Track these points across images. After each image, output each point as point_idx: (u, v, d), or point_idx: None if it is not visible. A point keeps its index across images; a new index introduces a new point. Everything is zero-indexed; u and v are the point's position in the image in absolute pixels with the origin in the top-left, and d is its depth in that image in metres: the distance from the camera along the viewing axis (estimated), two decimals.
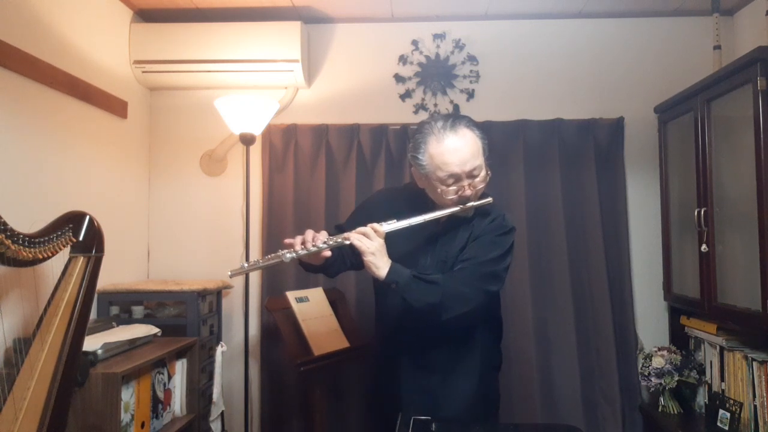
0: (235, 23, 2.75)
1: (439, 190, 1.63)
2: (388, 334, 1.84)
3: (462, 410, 1.71)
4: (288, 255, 1.58)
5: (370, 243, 1.56)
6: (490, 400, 1.83)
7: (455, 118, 1.65)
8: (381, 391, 1.90)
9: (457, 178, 1.60)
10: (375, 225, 1.59)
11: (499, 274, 1.66)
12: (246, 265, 1.64)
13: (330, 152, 2.88)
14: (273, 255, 1.60)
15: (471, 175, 1.62)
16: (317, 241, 1.59)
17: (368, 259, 1.56)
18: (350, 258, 1.77)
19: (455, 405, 1.71)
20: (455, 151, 1.59)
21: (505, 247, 1.66)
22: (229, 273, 1.60)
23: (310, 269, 1.76)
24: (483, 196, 1.69)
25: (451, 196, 1.63)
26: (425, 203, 1.72)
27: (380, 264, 1.56)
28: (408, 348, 1.76)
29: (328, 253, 1.60)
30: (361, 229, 1.59)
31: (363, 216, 1.71)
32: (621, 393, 2.73)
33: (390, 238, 1.62)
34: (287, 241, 1.62)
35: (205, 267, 2.90)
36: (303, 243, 1.59)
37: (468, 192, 1.62)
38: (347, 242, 1.59)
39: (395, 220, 1.62)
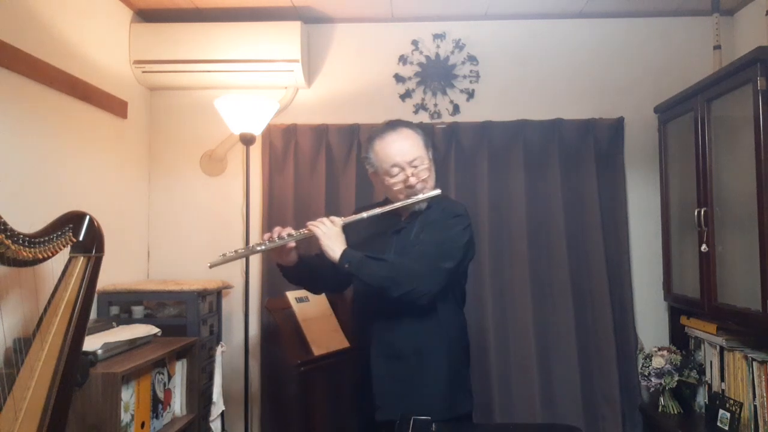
0: (235, 23, 2.75)
1: (387, 182, 1.83)
2: (360, 325, 1.95)
3: (434, 399, 1.74)
4: (258, 247, 1.78)
5: (327, 228, 1.74)
6: (462, 393, 1.83)
7: (396, 121, 1.90)
8: (358, 384, 1.93)
9: (400, 167, 1.79)
10: (332, 217, 1.80)
11: (451, 252, 1.76)
12: (223, 256, 1.79)
13: (330, 152, 2.88)
14: (247, 247, 1.85)
15: (412, 164, 1.80)
16: (283, 233, 1.76)
17: (324, 242, 1.73)
18: (334, 273, 1.80)
19: (427, 392, 1.75)
20: (395, 143, 1.81)
21: (454, 229, 1.78)
22: (209, 264, 1.79)
23: (291, 278, 1.91)
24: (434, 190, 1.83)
25: (399, 186, 1.81)
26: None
27: (335, 248, 1.72)
28: (376, 335, 1.83)
29: (292, 244, 1.77)
30: (320, 219, 1.79)
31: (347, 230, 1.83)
32: (621, 393, 2.73)
33: (357, 237, 1.81)
34: (265, 234, 1.81)
35: (205, 267, 2.88)
36: (270, 237, 1.77)
37: (412, 180, 1.79)
38: (306, 232, 1.75)
39: (353, 215, 1.83)
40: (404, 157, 1.79)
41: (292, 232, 1.77)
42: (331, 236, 1.73)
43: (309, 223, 1.78)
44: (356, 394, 1.97)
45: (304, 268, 1.87)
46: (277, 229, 1.78)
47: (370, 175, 1.93)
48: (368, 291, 1.79)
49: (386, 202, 1.92)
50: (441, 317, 1.80)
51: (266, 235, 1.79)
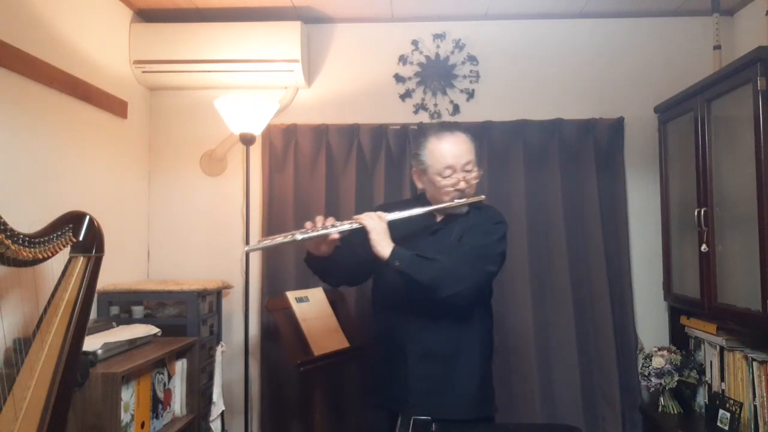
0: (234, 23, 2.75)
1: (437, 183, 1.81)
2: (389, 323, 1.90)
3: (465, 399, 1.78)
4: (299, 235, 1.70)
5: (376, 224, 1.72)
6: (489, 393, 1.89)
7: (452, 124, 1.95)
8: (381, 382, 1.93)
9: (453, 169, 1.80)
10: (379, 212, 1.77)
11: (495, 256, 1.79)
12: (261, 242, 1.77)
13: (330, 152, 2.88)
14: (286, 234, 1.73)
15: (465, 168, 1.81)
16: (327, 223, 1.73)
17: (374, 237, 1.70)
18: (365, 256, 1.79)
19: (458, 392, 1.78)
20: (451, 146, 1.81)
21: (499, 234, 1.82)
22: (246, 248, 1.86)
23: (315, 267, 1.87)
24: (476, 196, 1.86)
25: (448, 189, 1.81)
26: (426, 206, 1.87)
27: (384, 244, 1.70)
28: (411, 335, 1.82)
29: (336, 236, 1.73)
30: (367, 213, 1.77)
31: None
32: (621, 393, 2.73)
33: (394, 232, 1.76)
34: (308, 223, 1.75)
35: (205, 267, 2.91)
36: (314, 225, 1.73)
37: (463, 184, 1.80)
38: (355, 224, 1.73)
39: (398, 212, 1.79)
40: (459, 160, 1.80)
41: (337, 223, 1.74)
42: (380, 231, 1.71)
43: (358, 216, 1.75)
44: (376, 393, 1.95)
45: (332, 259, 1.82)
46: (320, 218, 1.75)
47: (414, 172, 1.92)
48: (398, 289, 1.76)
49: (421, 199, 1.93)
50: (476, 319, 1.83)
51: (308, 224, 1.74)
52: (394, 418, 1.78)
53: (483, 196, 1.84)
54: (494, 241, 1.79)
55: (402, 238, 1.78)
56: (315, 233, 1.71)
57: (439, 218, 1.90)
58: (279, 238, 1.73)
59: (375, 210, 1.80)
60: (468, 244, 1.78)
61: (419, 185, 1.93)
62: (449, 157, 1.79)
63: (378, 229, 1.71)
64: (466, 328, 1.82)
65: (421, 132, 1.93)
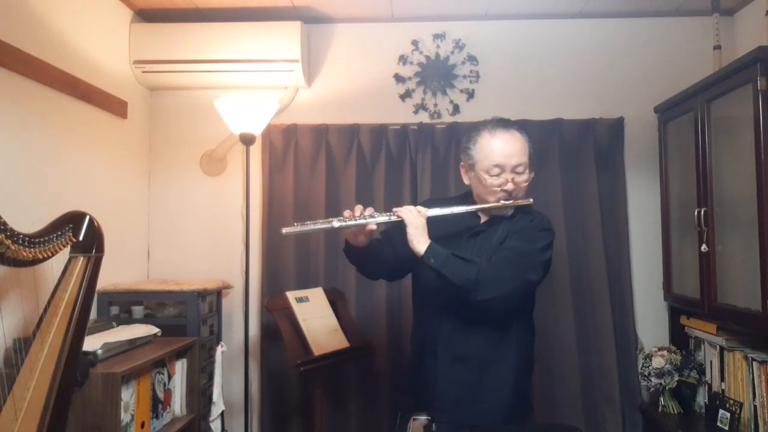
0: (235, 23, 2.75)
1: (484, 180, 1.73)
2: (427, 323, 1.85)
3: (499, 409, 1.71)
4: (337, 223, 1.68)
5: (414, 218, 1.67)
6: (525, 404, 1.81)
7: (508, 120, 1.80)
8: (413, 383, 1.88)
9: (502, 169, 1.71)
10: (419, 207, 1.71)
11: (537, 264, 1.68)
12: (298, 225, 1.72)
13: (330, 152, 2.88)
14: (324, 221, 1.71)
15: (515, 170, 1.72)
16: (366, 213, 1.69)
17: (411, 231, 1.65)
18: (400, 250, 1.76)
19: (491, 402, 1.71)
20: (504, 143, 1.72)
21: (544, 242, 1.71)
22: (284, 231, 1.72)
23: (353, 256, 1.83)
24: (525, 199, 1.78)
25: (495, 188, 1.73)
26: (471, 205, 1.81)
27: (421, 239, 1.65)
28: (445, 337, 1.76)
29: (373, 227, 1.70)
30: (407, 206, 1.71)
31: None
32: (621, 393, 2.73)
33: (433, 229, 1.70)
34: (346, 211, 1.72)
35: (205, 267, 2.91)
36: (352, 214, 1.69)
37: (510, 186, 1.72)
38: (394, 217, 1.69)
39: (439, 208, 1.73)
40: (510, 160, 1.71)
41: (375, 213, 1.70)
42: (418, 226, 1.66)
43: (397, 209, 1.70)
44: (407, 392, 1.91)
45: (369, 250, 1.79)
46: (359, 207, 1.71)
47: (461, 166, 1.84)
48: (437, 289, 1.70)
49: (467, 198, 1.86)
50: (513, 328, 1.75)
51: (347, 213, 1.70)
52: (403, 418, 1.75)
53: (530, 200, 1.75)
54: (538, 249, 1.68)
55: (443, 237, 1.72)
56: (353, 222, 1.67)
57: (483, 219, 1.81)
58: (319, 224, 1.71)
59: (417, 205, 1.75)
60: (509, 249, 1.68)
61: (466, 181, 1.84)
62: (499, 155, 1.70)
63: (416, 223, 1.66)
64: (502, 337, 1.73)
65: (475, 125, 1.82)
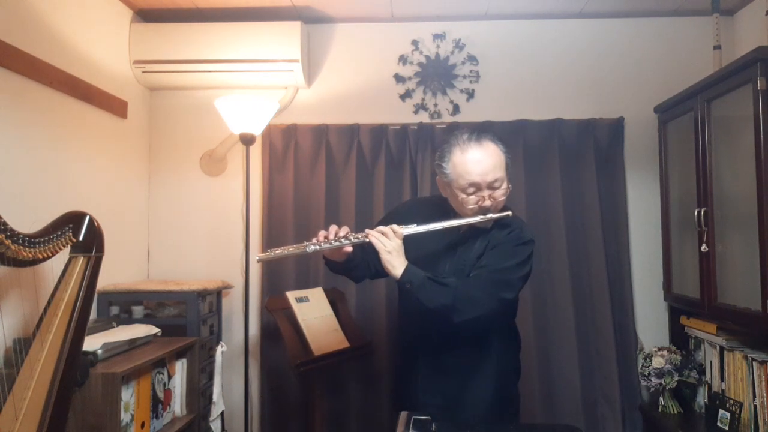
0: (235, 23, 2.75)
1: (460, 198, 1.68)
2: (411, 334, 1.88)
3: (479, 417, 1.73)
4: (311, 247, 1.66)
5: (388, 242, 1.63)
6: (507, 401, 1.84)
7: (481, 131, 1.72)
8: (399, 391, 1.92)
9: (477, 187, 1.66)
10: (394, 226, 1.66)
11: (513, 282, 1.68)
12: (272, 252, 1.71)
13: (330, 152, 2.88)
14: (297, 245, 1.69)
15: (491, 186, 1.66)
16: (339, 236, 1.67)
17: (385, 257, 1.63)
18: (375, 265, 1.77)
19: (473, 411, 1.74)
20: (477, 162, 1.64)
21: (521, 257, 1.69)
22: (257, 257, 1.73)
23: (334, 268, 1.82)
24: (504, 209, 1.72)
25: (471, 206, 1.68)
26: (449, 213, 1.77)
27: (396, 263, 1.62)
28: (426, 350, 1.79)
29: (349, 249, 1.67)
30: (381, 228, 1.67)
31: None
32: (621, 393, 2.73)
33: (411, 244, 1.68)
34: (321, 233, 1.71)
35: (205, 267, 2.91)
36: (326, 237, 1.67)
37: (487, 203, 1.66)
38: (367, 240, 1.66)
39: (415, 225, 1.68)
40: (485, 177, 1.64)
41: (350, 235, 1.68)
42: (392, 251, 1.63)
43: (369, 232, 1.67)
44: (393, 392, 1.95)
45: (350, 262, 1.78)
46: (333, 228, 1.69)
47: (437, 180, 1.79)
48: (419, 308, 1.67)
49: (446, 204, 1.80)
50: (494, 339, 1.77)
51: (321, 234, 1.69)
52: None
53: (509, 213, 1.71)
54: (513, 266, 1.66)
55: (420, 248, 1.71)
56: (327, 245, 1.66)
57: (462, 229, 1.78)
58: (290, 249, 1.70)
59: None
60: (485, 267, 1.66)
61: (444, 194, 1.79)
62: (474, 174, 1.64)
63: (388, 248, 1.62)
64: (483, 349, 1.76)
65: (447, 139, 1.75)
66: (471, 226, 1.73)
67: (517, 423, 1.89)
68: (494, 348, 1.77)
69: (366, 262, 1.82)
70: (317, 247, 1.66)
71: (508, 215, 1.71)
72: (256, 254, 1.74)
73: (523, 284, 1.72)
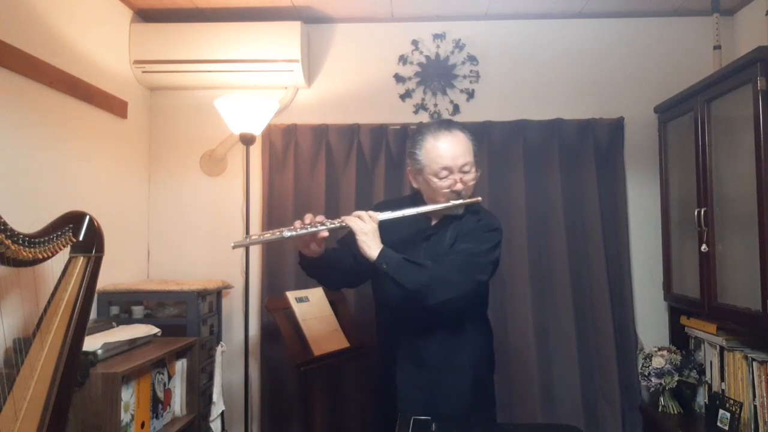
0: (235, 23, 2.75)
1: (432, 183, 1.76)
2: (385, 327, 1.93)
3: (458, 408, 1.76)
4: (287, 233, 1.66)
5: (364, 224, 1.68)
6: (486, 401, 1.87)
7: (450, 121, 1.85)
8: (379, 385, 1.94)
9: (449, 170, 1.74)
10: (370, 212, 1.71)
11: (485, 265, 1.75)
12: (248, 238, 1.73)
13: (330, 152, 2.88)
14: (273, 231, 1.70)
15: (462, 170, 1.75)
16: (315, 221, 1.70)
17: (361, 239, 1.66)
18: (355, 255, 1.78)
19: (451, 401, 1.77)
20: (449, 146, 1.75)
21: (491, 243, 1.77)
22: (232, 244, 1.71)
23: (309, 269, 1.83)
24: (473, 197, 1.81)
25: (444, 190, 1.76)
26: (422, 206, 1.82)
27: (372, 245, 1.66)
28: (403, 341, 1.82)
29: (325, 234, 1.70)
30: (357, 212, 1.71)
31: None
32: (621, 393, 2.73)
33: (387, 233, 1.72)
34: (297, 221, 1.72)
35: (205, 267, 2.90)
36: (303, 223, 1.69)
37: (459, 186, 1.75)
38: (343, 224, 1.69)
39: (390, 211, 1.74)
40: (456, 161, 1.74)
41: (326, 221, 1.70)
42: (368, 232, 1.67)
43: (346, 217, 1.70)
44: (377, 393, 1.97)
45: (324, 260, 1.80)
46: (309, 216, 1.71)
47: (408, 171, 1.86)
48: (395, 294, 1.71)
49: (417, 198, 1.88)
50: (468, 328, 1.81)
51: (297, 222, 1.70)
52: (390, 422, 1.79)
53: (479, 198, 1.80)
54: (486, 250, 1.74)
55: (395, 241, 1.75)
56: (304, 231, 1.67)
57: (434, 221, 1.85)
58: (267, 235, 1.71)
59: (373, 208, 1.77)
60: (459, 251, 1.73)
61: (414, 184, 1.87)
62: (446, 158, 1.73)
63: (365, 230, 1.66)
64: (456, 339, 1.79)
65: (418, 129, 1.86)
66: (444, 216, 1.82)
67: (494, 422, 1.93)
68: (468, 338, 1.81)
69: (351, 253, 1.82)
70: (294, 232, 1.66)
71: (478, 200, 1.80)
72: (231, 243, 1.70)
73: (494, 269, 1.79)
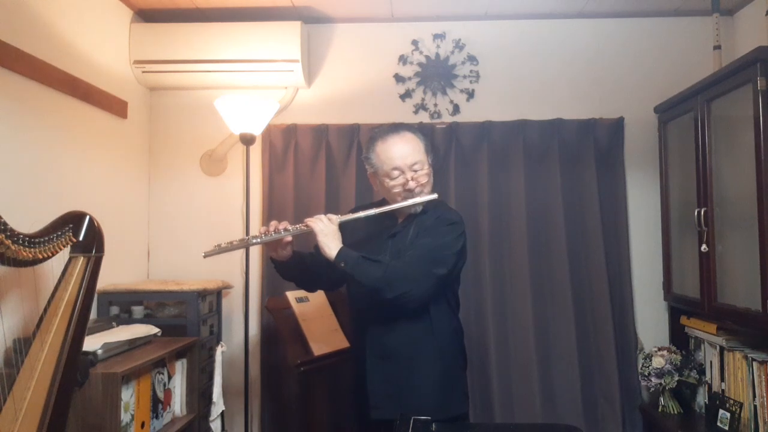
0: (235, 23, 2.75)
1: (386, 184, 1.84)
2: (356, 325, 1.98)
3: (427, 403, 1.76)
4: (254, 240, 1.79)
5: (324, 226, 1.77)
6: (457, 397, 1.86)
7: (399, 124, 1.95)
8: (355, 384, 1.96)
9: (400, 170, 1.81)
10: (330, 214, 1.81)
11: (445, 258, 1.77)
12: (217, 246, 1.80)
13: (330, 152, 2.88)
14: (241, 239, 1.83)
15: (413, 168, 1.82)
16: (280, 227, 1.79)
17: (321, 239, 1.75)
18: (327, 270, 1.86)
19: (419, 396, 1.78)
20: (397, 147, 1.83)
21: (449, 236, 1.80)
22: (203, 253, 1.78)
23: (283, 272, 1.93)
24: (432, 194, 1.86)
25: (398, 189, 1.83)
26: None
27: (332, 245, 1.74)
28: (370, 337, 1.86)
29: (289, 239, 1.79)
30: (318, 215, 1.81)
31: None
32: (621, 393, 2.73)
33: (353, 237, 1.83)
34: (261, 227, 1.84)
35: (205, 267, 2.88)
36: (267, 231, 1.79)
37: (411, 184, 1.81)
38: (306, 229, 1.78)
39: (350, 213, 1.86)
40: (405, 160, 1.81)
41: (289, 226, 1.79)
42: (328, 233, 1.75)
43: (307, 219, 1.80)
44: (353, 393, 1.99)
45: (297, 264, 1.89)
46: (273, 223, 1.80)
47: (369, 175, 1.94)
48: (362, 292, 1.80)
49: (383, 203, 1.93)
50: (434, 321, 1.82)
51: (262, 228, 1.81)
52: (368, 420, 1.82)
53: (435, 195, 1.83)
54: (445, 243, 1.77)
55: (363, 241, 1.84)
56: (269, 237, 1.77)
57: (400, 219, 1.90)
58: (235, 242, 1.80)
59: (350, 211, 1.87)
60: (418, 246, 1.77)
61: (375, 188, 1.95)
62: (395, 158, 1.80)
63: (325, 231, 1.75)
64: (422, 333, 1.81)
65: (371, 135, 1.95)
66: (407, 216, 1.87)
67: (466, 417, 1.93)
68: (434, 331, 1.82)
69: (318, 273, 1.91)
70: (259, 239, 1.77)
71: (435, 197, 1.83)
72: (202, 252, 1.79)
73: (457, 260, 1.81)
